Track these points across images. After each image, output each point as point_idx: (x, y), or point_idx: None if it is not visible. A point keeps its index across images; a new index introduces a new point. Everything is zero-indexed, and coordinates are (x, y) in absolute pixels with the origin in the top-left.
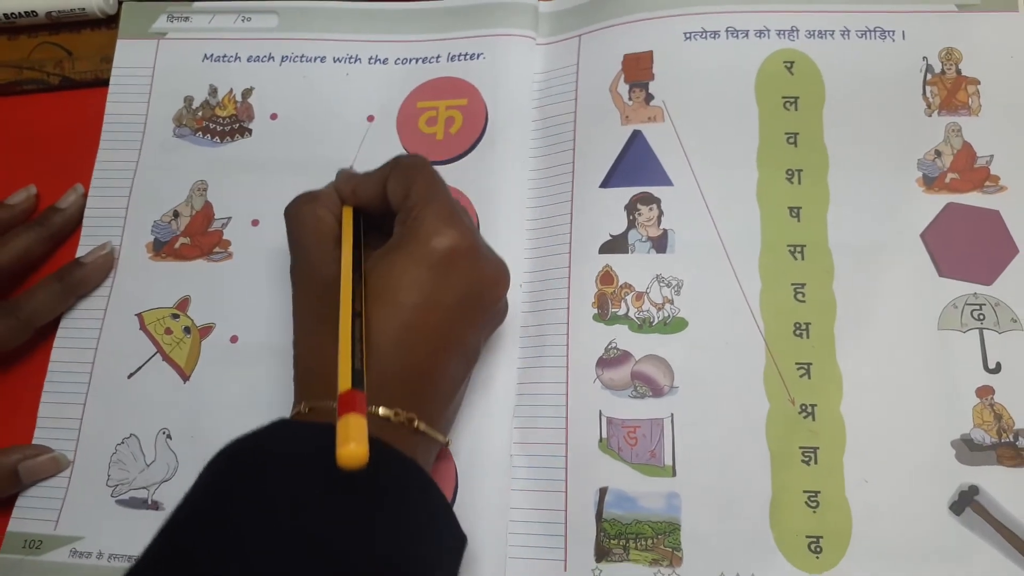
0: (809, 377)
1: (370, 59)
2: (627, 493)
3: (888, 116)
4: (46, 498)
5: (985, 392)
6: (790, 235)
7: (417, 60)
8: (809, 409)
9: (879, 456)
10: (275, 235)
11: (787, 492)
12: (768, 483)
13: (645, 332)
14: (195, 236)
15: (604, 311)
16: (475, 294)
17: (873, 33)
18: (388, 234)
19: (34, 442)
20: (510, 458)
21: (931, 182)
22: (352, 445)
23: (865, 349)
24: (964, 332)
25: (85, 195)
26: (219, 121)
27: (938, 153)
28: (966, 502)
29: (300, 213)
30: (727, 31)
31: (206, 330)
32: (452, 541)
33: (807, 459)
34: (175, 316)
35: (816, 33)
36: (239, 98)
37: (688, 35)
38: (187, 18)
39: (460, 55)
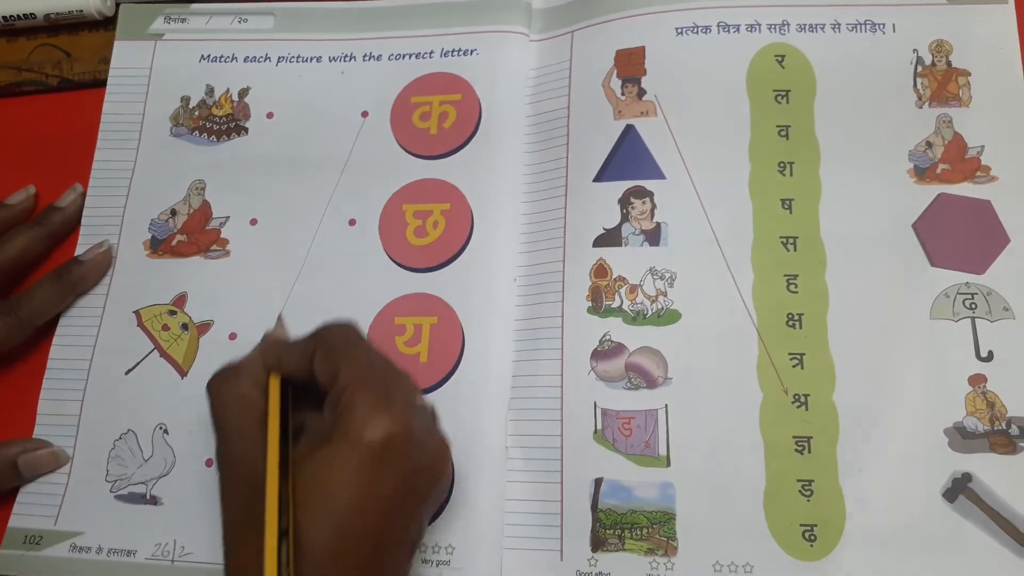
0: (802, 367)
1: (364, 56)
2: (622, 483)
3: (879, 108)
4: (46, 494)
5: (978, 380)
6: (782, 227)
7: (411, 56)
8: (802, 399)
9: (872, 445)
10: (273, 234)
11: (781, 481)
12: (762, 472)
13: (639, 324)
14: (192, 234)
15: (598, 304)
16: (413, 483)
17: (864, 26)
18: (321, 399)
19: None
20: (506, 450)
21: (922, 173)
22: None
23: (858, 339)
24: (956, 321)
25: (84, 194)
26: (216, 120)
27: (929, 144)
28: (959, 489)
29: (222, 393)
30: (718, 26)
31: (204, 327)
32: None
33: (800, 448)
34: (172, 313)
35: (807, 27)
36: (235, 98)
37: (680, 30)
38: (184, 19)
39: (454, 51)
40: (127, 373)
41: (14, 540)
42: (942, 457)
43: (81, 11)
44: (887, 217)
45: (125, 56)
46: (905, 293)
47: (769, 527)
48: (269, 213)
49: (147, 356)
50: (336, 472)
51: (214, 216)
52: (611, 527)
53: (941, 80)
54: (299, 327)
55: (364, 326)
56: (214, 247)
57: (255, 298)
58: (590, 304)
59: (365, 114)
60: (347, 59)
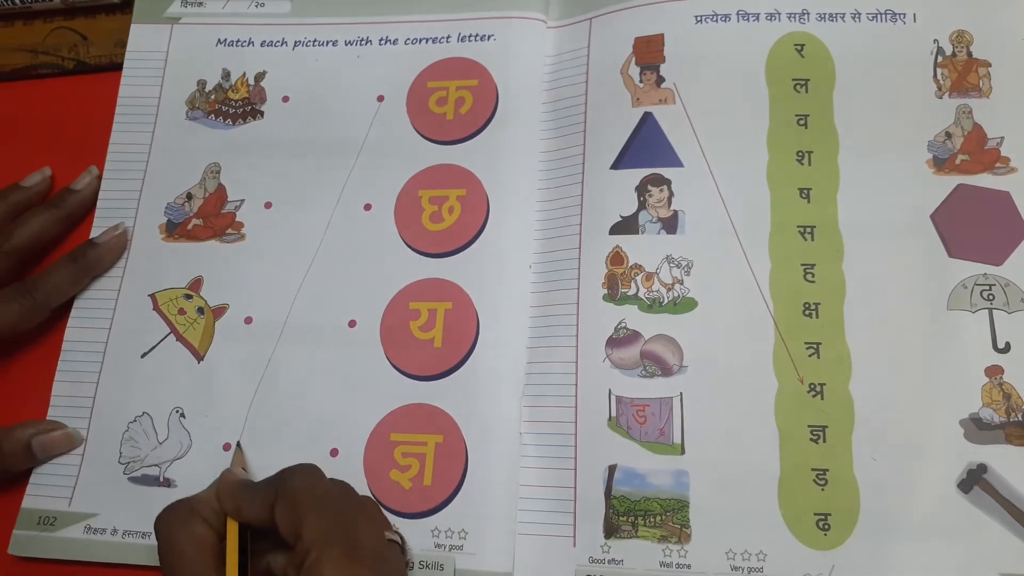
0: (818, 356)
1: (380, 40)
2: (636, 470)
3: (898, 98)
4: (60, 475)
5: (994, 372)
6: (800, 216)
7: (427, 40)
8: (818, 388)
9: (887, 435)
10: (288, 218)
11: (795, 470)
12: (776, 461)
13: (655, 312)
14: (208, 218)
15: (614, 291)
16: None
17: (884, 16)
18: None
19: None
20: (520, 436)
21: (941, 164)
22: None
23: (874, 329)
24: (974, 312)
25: (99, 177)
26: (232, 104)
27: (948, 135)
28: (974, 480)
29: (173, 534)
30: (738, 14)
31: (220, 311)
32: None
33: (815, 437)
34: (188, 296)
35: (827, 16)
36: (252, 82)
37: (699, 18)
38: (201, 3)
39: (471, 36)
40: (143, 356)
41: (28, 521)
42: (957, 448)
43: None
44: (905, 207)
45: (142, 39)
46: (922, 283)
47: (783, 516)
48: (284, 197)
49: (163, 340)
50: None
51: (229, 200)
52: (624, 514)
53: (961, 70)
54: (313, 312)
55: (379, 311)
56: (229, 231)
57: (270, 282)
58: (606, 291)
59: (381, 98)
60: (363, 43)
